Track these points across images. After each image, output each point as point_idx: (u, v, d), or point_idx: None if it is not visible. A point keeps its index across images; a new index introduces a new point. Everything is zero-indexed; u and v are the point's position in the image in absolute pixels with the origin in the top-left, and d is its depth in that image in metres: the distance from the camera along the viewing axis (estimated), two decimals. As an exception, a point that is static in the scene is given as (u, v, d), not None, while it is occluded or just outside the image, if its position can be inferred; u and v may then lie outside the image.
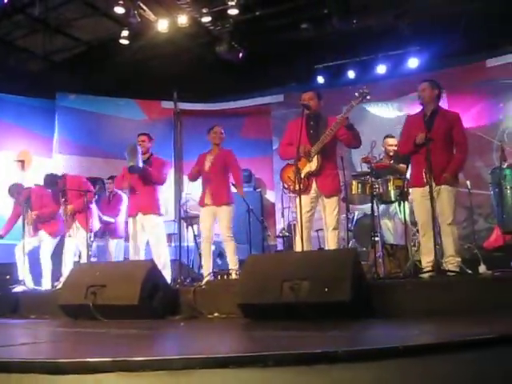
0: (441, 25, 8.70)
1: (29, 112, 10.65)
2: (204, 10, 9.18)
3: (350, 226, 7.14)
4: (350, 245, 7.01)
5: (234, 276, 6.42)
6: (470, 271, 5.91)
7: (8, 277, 7.34)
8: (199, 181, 6.96)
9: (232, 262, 6.61)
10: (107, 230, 8.30)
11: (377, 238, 6.42)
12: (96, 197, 7.99)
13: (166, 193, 7.92)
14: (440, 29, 8.69)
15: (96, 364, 2.28)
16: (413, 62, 9.98)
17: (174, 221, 9.11)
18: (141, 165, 6.73)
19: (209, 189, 6.71)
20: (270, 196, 10.90)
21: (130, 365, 2.31)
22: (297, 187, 5.45)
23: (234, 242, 6.66)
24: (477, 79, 9.79)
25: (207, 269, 6.60)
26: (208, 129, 6.97)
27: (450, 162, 5.40)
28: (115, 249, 8.33)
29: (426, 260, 5.35)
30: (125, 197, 8.04)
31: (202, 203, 6.76)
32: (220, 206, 6.64)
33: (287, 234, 8.31)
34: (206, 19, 9.32)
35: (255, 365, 2.35)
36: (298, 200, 5.41)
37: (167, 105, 11.66)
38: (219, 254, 8.31)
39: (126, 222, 7.58)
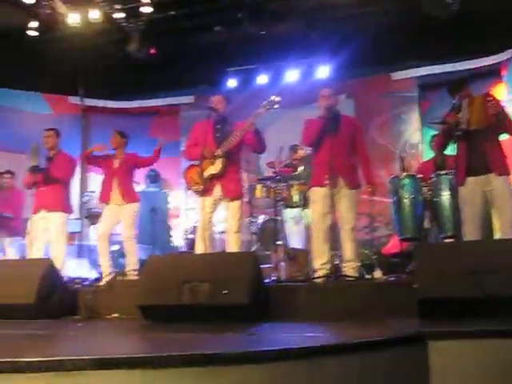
0: (350, 35, 8.93)
1: None
2: (117, 6, 9.05)
3: (254, 229, 7.21)
4: (253, 248, 7.08)
5: (133, 277, 6.34)
6: (368, 276, 6.12)
7: None
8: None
9: (132, 263, 6.54)
10: (3, 227, 7.99)
11: (280, 242, 6.54)
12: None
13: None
14: (350, 39, 8.92)
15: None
16: (322, 71, 10.17)
17: (77, 219, 8.90)
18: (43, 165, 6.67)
19: (116, 186, 6.66)
20: (177, 197, 10.83)
21: (19, 365, 2.27)
22: (199, 188, 5.49)
23: (134, 242, 6.62)
24: (383, 90, 10.16)
25: (105, 268, 6.49)
26: None
27: (354, 165, 5.64)
28: (11, 246, 8.02)
29: (319, 262, 5.40)
30: (27, 193, 7.75)
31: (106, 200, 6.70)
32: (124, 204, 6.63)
33: (191, 235, 8.28)
34: (119, 15, 9.19)
35: (145, 366, 2.36)
36: (200, 201, 5.45)
37: (75, 100, 11.35)
38: (122, 253, 8.17)
39: (27, 219, 7.36)
